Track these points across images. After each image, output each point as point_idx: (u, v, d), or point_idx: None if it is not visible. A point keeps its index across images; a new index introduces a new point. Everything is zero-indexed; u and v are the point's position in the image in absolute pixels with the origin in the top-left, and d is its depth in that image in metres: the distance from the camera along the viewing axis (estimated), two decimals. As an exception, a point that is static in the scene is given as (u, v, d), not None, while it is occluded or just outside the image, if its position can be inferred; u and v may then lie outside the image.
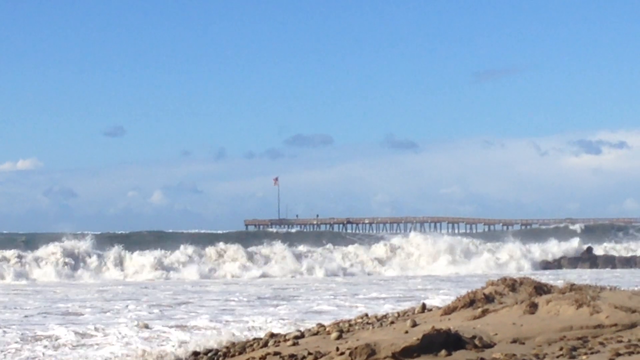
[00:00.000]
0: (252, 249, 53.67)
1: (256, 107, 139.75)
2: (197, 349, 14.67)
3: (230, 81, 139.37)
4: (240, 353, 13.75)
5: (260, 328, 17.74)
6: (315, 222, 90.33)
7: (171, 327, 18.70)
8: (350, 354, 11.63)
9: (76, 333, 17.36)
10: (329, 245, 57.40)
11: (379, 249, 57.13)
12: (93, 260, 48.41)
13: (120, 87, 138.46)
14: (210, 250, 52.53)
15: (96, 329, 18.03)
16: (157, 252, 49.96)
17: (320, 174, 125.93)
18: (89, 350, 15.39)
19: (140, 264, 48.74)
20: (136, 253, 49.86)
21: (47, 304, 26.63)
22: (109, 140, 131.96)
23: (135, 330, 17.81)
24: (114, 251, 49.58)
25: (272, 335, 15.12)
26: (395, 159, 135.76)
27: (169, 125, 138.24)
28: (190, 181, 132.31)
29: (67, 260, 47.55)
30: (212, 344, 15.03)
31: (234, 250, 52.64)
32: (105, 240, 53.43)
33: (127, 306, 25.17)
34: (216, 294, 31.65)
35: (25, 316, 22.38)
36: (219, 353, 14.10)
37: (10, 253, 47.67)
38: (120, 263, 48.91)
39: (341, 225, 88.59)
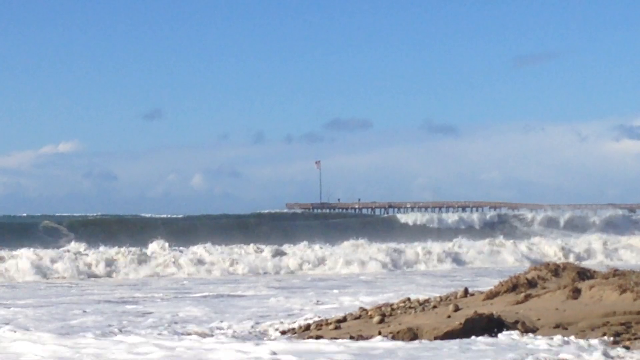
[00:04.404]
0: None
1: (295, 90, 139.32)
2: None
3: (269, 64, 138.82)
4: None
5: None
6: (357, 206, 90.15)
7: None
8: (392, 338, 11.69)
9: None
10: None
11: None
12: None
13: (158, 70, 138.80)
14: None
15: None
16: None
17: (360, 158, 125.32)
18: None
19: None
20: None
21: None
22: (147, 123, 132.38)
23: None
24: None
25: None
26: (435, 144, 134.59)
27: (208, 109, 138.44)
28: (229, 164, 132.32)
29: None
30: None
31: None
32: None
33: None
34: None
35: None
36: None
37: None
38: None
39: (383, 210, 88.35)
